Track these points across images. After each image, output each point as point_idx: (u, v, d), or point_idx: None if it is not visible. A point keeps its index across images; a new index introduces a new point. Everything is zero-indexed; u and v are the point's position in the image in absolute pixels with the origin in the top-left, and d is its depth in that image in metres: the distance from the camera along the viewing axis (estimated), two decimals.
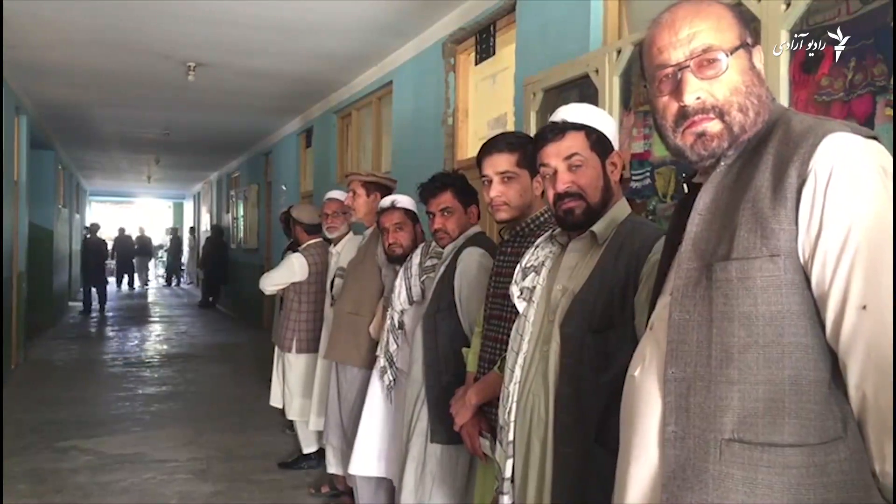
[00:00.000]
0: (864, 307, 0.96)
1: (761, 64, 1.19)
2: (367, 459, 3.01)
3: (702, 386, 1.07)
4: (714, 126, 1.13)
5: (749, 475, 1.01)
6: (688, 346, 1.10)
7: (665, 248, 1.29)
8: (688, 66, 1.14)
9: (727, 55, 1.12)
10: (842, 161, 1.00)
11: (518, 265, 1.82)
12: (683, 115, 1.15)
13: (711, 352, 1.07)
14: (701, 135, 1.14)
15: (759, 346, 1.03)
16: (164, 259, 21.20)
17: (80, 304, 13.11)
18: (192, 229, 19.27)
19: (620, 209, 1.74)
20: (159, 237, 23.54)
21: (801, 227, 1.02)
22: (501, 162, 2.12)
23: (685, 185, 1.27)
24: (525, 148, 2.10)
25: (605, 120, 1.75)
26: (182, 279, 20.90)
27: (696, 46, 1.13)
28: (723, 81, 1.13)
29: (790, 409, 1.01)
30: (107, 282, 14.10)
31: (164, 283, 20.21)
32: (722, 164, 1.16)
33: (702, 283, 1.09)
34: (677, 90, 1.15)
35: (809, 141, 1.04)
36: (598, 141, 1.70)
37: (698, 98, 1.13)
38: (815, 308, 1.03)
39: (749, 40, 1.17)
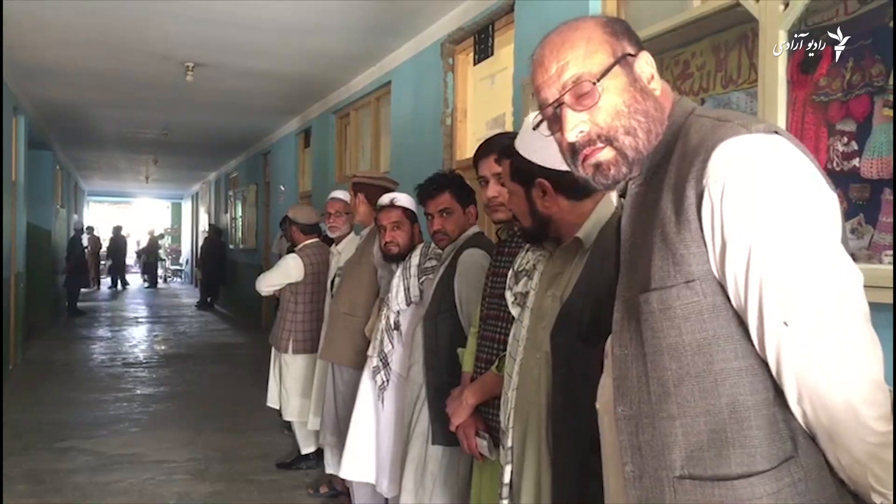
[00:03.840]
0: (784, 323, 0.92)
1: (651, 68, 1.12)
2: (359, 463, 3.00)
3: (647, 423, 1.04)
4: (606, 154, 1.08)
5: None
6: (630, 382, 1.06)
7: (614, 271, 1.25)
8: (563, 102, 1.09)
9: (596, 82, 1.06)
10: (733, 171, 0.96)
11: (511, 269, 1.82)
12: (574, 150, 1.10)
13: (650, 387, 1.03)
14: (597, 165, 1.09)
15: (691, 377, 0.99)
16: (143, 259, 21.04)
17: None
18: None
19: (605, 208, 1.69)
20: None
21: (708, 246, 0.98)
22: (497, 162, 2.12)
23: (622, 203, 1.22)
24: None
25: (532, 143, 1.63)
26: (165, 279, 20.91)
27: (567, 80, 1.08)
28: (602, 108, 1.07)
29: (733, 439, 0.97)
30: (83, 283, 13.89)
31: (147, 285, 19.90)
32: (632, 186, 1.11)
33: (633, 317, 1.05)
34: (561, 128, 1.11)
35: (701, 156, 0.99)
36: (518, 170, 1.69)
37: (581, 132, 1.08)
38: (743, 327, 0.98)
39: (629, 51, 1.10)
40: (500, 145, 2.14)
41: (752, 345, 0.98)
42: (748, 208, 0.94)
